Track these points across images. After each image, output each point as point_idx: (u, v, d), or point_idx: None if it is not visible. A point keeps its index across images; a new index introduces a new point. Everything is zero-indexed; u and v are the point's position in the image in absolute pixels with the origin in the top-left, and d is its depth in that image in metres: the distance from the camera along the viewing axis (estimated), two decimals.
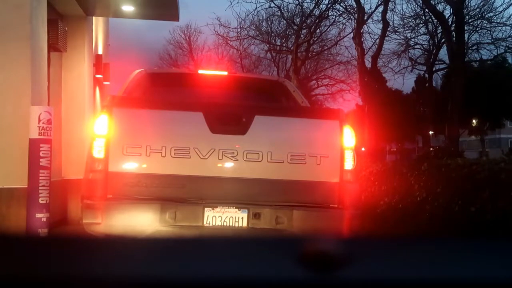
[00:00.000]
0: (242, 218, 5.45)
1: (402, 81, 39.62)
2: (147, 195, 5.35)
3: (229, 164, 5.51)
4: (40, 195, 7.20)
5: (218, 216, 5.42)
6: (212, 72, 8.05)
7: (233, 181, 5.51)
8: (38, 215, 7.15)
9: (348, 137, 5.68)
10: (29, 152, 7.24)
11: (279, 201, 5.52)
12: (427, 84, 33.47)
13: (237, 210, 5.44)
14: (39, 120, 7.19)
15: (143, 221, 5.36)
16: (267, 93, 7.60)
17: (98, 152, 5.39)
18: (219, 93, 7.25)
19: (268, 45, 31.54)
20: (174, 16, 11.77)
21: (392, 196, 9.59)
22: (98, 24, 13.12)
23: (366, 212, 8.36)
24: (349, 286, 1.12)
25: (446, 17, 22.55)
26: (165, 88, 7.34)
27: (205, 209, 5.40)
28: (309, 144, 5.65)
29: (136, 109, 5.60)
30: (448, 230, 7.35)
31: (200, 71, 8.04)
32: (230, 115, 5.57)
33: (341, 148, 5.63)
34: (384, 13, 21.37)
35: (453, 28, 20.17)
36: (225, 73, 8.03)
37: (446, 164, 8.17)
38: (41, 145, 7.23)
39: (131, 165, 5.48)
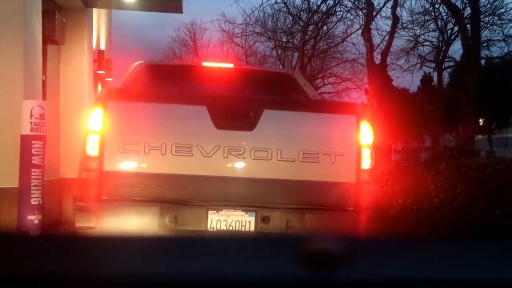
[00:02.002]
0: (250, 222, 5.11)
1: (411, 78, 39.32)
2: (146, 196, 5.00)
3: (235, 163, 5.15)
4: (32, 196, 6.86)
5: (223, 220, 5.08)
6: (217, 64, 7.59)
7: (239, 181, 5.15)
8: (30, 217, 6.84)
9: (366, 134, 5.31)
10: (20, 150, 6.86)
11: (289, 203, 5.17)
12: (433, 83, 33.14)
13: (243, 213, 5.10)
14: (31, 115, 6.81)
15: (140, 225, 5.02)
16: (276, 86, 7.24)
17: (92, 149, 5.04)
18: (224, 87, 6.85)
19: (274, 42, 31.28)
20: (178, 8, 11.42)
21: (407, 197, 9.18)
22: (100, 18, 12.88)
23: (379, 214, 7.95)
24: (349, 285, 1.11)
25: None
26: (167, 81, 6.99)
27: (209, 212, 5.06)
28: (323, 141, 5.27)
29: (134, 102, 5.22)
30: (470, 233, 6.87)
31: (204, 63, 7.57)
32: (236, 109, 5.21)
33: (358, 145, 5.28)
34: (394, 8, 21.06)
35: (466, 22, 19.75)
36: (230, 65, 7.59)
37: (467, 163, 7.69)
38: (33, 142, 6.89)
39: (128, 164, 5.12)
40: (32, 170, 6.84)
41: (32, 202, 6.84)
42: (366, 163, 5.29)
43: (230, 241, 1.33)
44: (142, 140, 4.99)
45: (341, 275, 1.09)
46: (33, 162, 6.85)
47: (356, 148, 5.25)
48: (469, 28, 18.62)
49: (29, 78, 7.63)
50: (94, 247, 1.22)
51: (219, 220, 5.06)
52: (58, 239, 1.32)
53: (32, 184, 6.83)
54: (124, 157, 5.06)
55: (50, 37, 9.36)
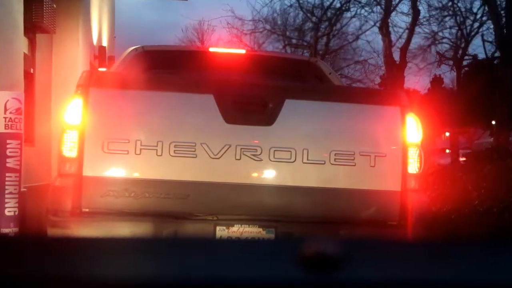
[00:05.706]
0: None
1: (429, 77, 39.39)
2: (137, 208, 4.38)
3: (249, 166, 4.50)
4: (6, 206, 6.18)
5: (235, 238, 4.49)
6: (226, 50, 6.75)
7: (255, 189, 4.53)
8: (4, 230, 6.20)
9: (413, 129, 4.60)
10: None
11: (318, 216, 4.53)
12: (443, 85, 32.64)
13: (260, 229, 4.50)
14: (6, 109, 6.25)
15: None
16: (297, 75, 6.57)
17: (70, 149, 4.38)
18: (235, 75, 6.02)
19: (284, 41, 31.13)
20: None
21: (442, 204, 8.29)
22: (102, 14, 12.64)
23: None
24: (349, 286, 1.14)
25: (476, 10, 22.19)
26: (168, 69, 6.39)
27: (217, 228, 4.48)
28: (360, 139, 4.64)
29: (122, 90, 4.54)
30: None
31: (212, 49, 6.76)
32: (251, 98, 4.58)
33: (404, 144, 4.60)
34: (414, 1, 20.48)
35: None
36: (242, 51, 6.72)
37: None
38: (8, 141, 6.24)
39: (114, 168, 4.52)
40: (7, 174, 6.16)
41: (7, 213, 6.15)
42: (413, 166, 4.62)
43: (229, 243, 1.45)
44: (132, 137, 4.35)
45: (340, 277, 1.10)
46: (7, 165, 6.17)
47: (401, 147, 4.61)
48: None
49: (6, 66, 6.98)
50: (92, 249, 1.21)
51: (230, 237, 4.47)
52: (54, 241, 1.35)
53: (6, 192, 6.14)
54: (110, 159, 4.41)
55: (38, 24, 8.85)
